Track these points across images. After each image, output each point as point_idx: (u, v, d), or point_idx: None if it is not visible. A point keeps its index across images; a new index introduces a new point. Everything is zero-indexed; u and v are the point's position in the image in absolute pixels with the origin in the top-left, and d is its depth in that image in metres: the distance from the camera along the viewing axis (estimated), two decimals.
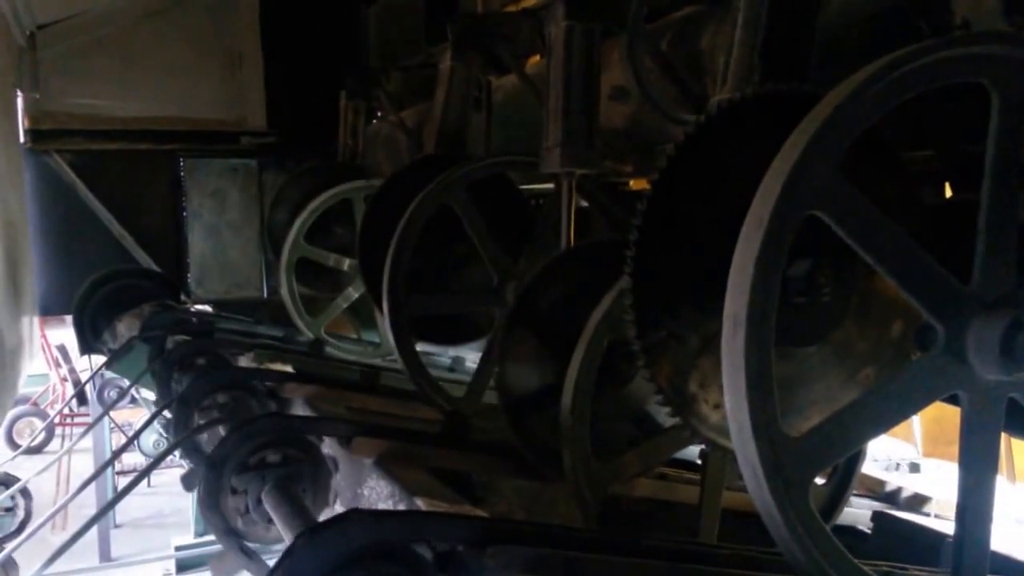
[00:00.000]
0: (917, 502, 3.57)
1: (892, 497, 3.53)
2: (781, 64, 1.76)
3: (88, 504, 8.44)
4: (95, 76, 6.46)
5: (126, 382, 6.06)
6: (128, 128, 6.57)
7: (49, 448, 12.49)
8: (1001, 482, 1.40)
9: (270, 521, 2.33)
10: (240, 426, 2.44)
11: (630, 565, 1.53)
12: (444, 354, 4.93)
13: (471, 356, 4.77)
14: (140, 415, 10.26)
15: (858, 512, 2.94)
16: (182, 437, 3.19)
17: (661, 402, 1.67)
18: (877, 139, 1.54)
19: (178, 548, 9.31)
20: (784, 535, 1.16)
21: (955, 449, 1.32)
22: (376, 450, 2.55)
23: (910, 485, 3.78)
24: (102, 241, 6.57)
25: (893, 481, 3.73)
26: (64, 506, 5.47)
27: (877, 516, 2.65)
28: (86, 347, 5.84)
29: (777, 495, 1.15)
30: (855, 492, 2.60)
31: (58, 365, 13.29)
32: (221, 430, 2.89)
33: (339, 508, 2.65)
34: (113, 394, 8.79)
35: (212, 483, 2.34)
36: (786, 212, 1.15)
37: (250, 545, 2.37)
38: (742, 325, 1.14)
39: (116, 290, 5.79)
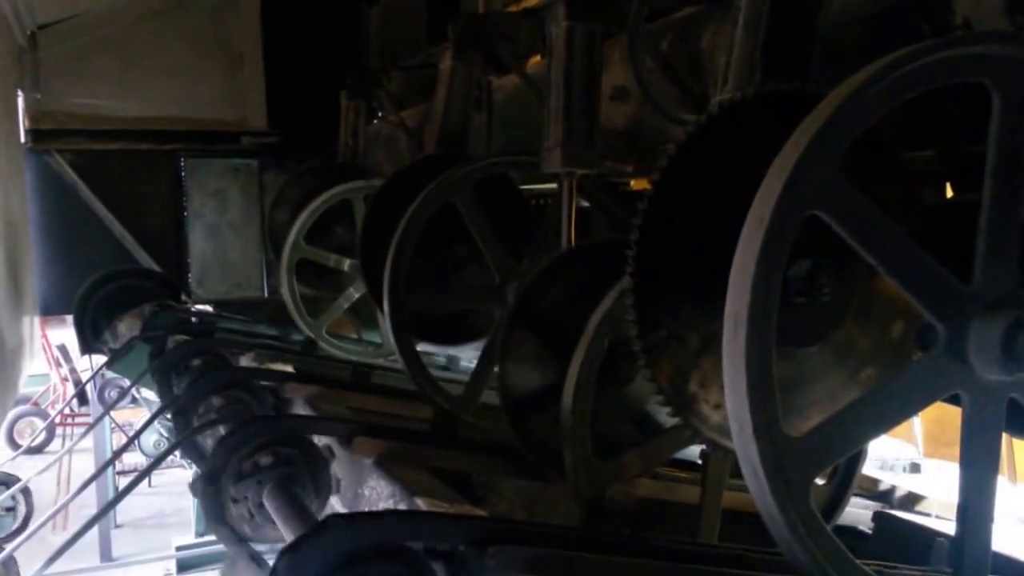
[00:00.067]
0: (911, 501, 3.57)
1: (887, 496, 3.53)
2: (782, 64, 1.76)
3: (89, 504, 8.45)
4: (96, 76, 6.46)
5: (127, 382, 6.07)
6: (129, 128, 6.58)
7: (50, 448, 12.50)
8: (1002, 482, 1.40)
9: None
10: (229, 434, 2.44)
11: (630, 565, 1.53)
12: (438, 353, 4.94)
13: (465, 355, 4.78)
14: (141, 415, 10.26)
15: (858, 512, 2.94)
16: (182, 437, 3.19)
17: (662, 402, 1.67)
18: (878, 139, 1.54)
19: (179, 548, 9.33)
20: (785, 535, 1.16)
21: (956, 450, 1.32)
22: (376, 450, 2.56)
23: (911, 486, 3.78)
24: (103, 241, 6.57)
25: (893, 482, 3.73)
26: (65, 506, 5.48)
27: (878, 516, 2.65)
28: (87, 347, 5.85)
29: (778, 495, 1.15)
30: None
31: (59, 365, 13.30)
32: (221, 430, 2.90)
33: (340, 508, 2.65)
34: (114, 394, 8.80)
35: (212, 496, 2.36)
36: (787, 212, 1.15)
37: (260, 548, 2.38)
38: (743, 325, 1.14)
39: (117, 290, 5.80)
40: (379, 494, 2.42)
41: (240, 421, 2.70)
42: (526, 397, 2.43)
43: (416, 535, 1.47)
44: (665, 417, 2.05)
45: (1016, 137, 1.24)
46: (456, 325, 3.35)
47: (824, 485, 2.47)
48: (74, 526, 7.24)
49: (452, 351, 4.87)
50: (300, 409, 3.31)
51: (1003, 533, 1.41)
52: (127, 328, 5.28)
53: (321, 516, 2.55)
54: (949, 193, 2.03)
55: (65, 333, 10.57)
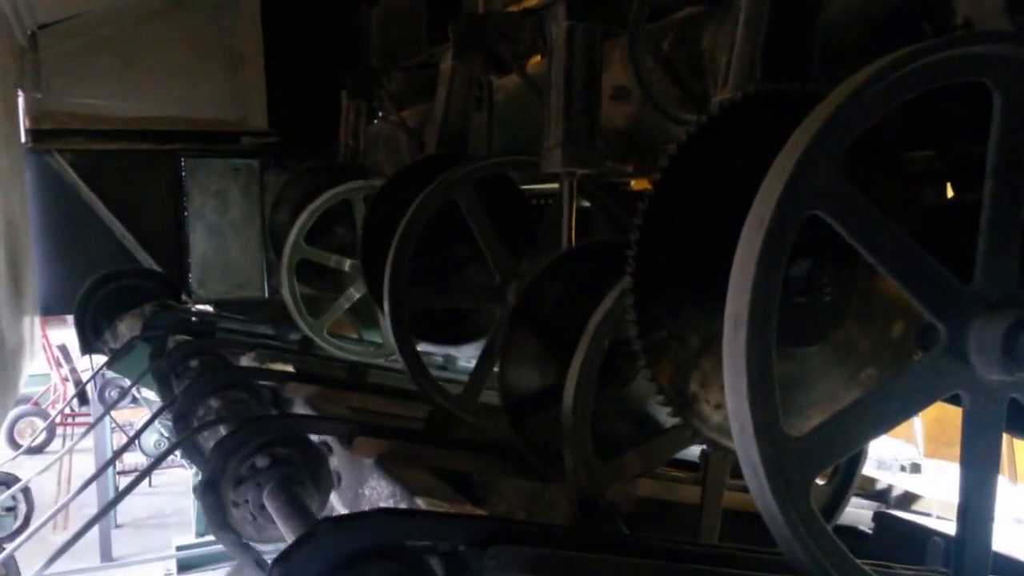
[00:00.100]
0: (908, 500, 3.56)
1: (883, 495, 3.52)
2: (782, 64, 1.76)
3: (89, 504, 8.45)
4: (96, 76, 6.47)
5: (127, 382, 6.07)
6: (129, 128, 6.58)
7: (50, 448, 12.50)
8: (1002, 482, 1.40)
9: None
10: (224, 439, 2.45)
11: (630, 565, 1.53)
12: (436, 353, 4.94)
13: (462, 354, 4.78)
14: (141, 415, 10.26)
15: (858, 512, 2.94)
16: (183, 437, 3.19)
17: (662, 402, 1.67)
18: (878, 139, 1.54)
19: (179, 548, 9.32)
20: (786, 535, 1.16)
21: (956, 450, 1.32)
22: (377, 450, 2.56)
23: (912, 486, 3.77)
24: (103, 241, 6.58)
25: (894, 482, 3.72)
26: (65, 506, 5.48)
27: (878, 516, 2.65)
28: (87, 347, 5.85)
29: (779, 495, 1.15)
30: None
31: (59, 365, 13.30)
32: (221, 430, 2.90)
33: (341, 508, 2.65)
34: (114, 394, 8.80)
35: (213, 503, 2.36)
36: (787, 212, 1.15)
37: (265, 551, 2.38)
38: (743, 325, 1.14)
39: (117, 290, 5.80)
40: (379, 494, 2.42)
41: (239, 421, 2.70)
42: (526, 397, 2.43)
43: (416, 535, 1.47)
44: (665, 417, 2.05)
45: (1017, 137, 1.24)
46: (456, 325, 3.35)
47: (824, 485, 2.47)
48: (74, 526, 7.24)
49: (451, 351, 4.86)
50: (300, 409, 3.31)
51: (1003, 533, 1.41)
52: (127, 328, 5.28)
53: (323, 512, 2.56)
54: (950, 193, 2.03)
55: (66, 333, 10.57)
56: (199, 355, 4.05)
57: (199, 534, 9.22)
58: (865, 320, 1.63)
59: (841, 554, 1.19)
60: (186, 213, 6.78)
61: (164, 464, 9.42)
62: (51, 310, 6.74)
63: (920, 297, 1.23)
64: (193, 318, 5.27)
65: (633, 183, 3.65)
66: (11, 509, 8.67)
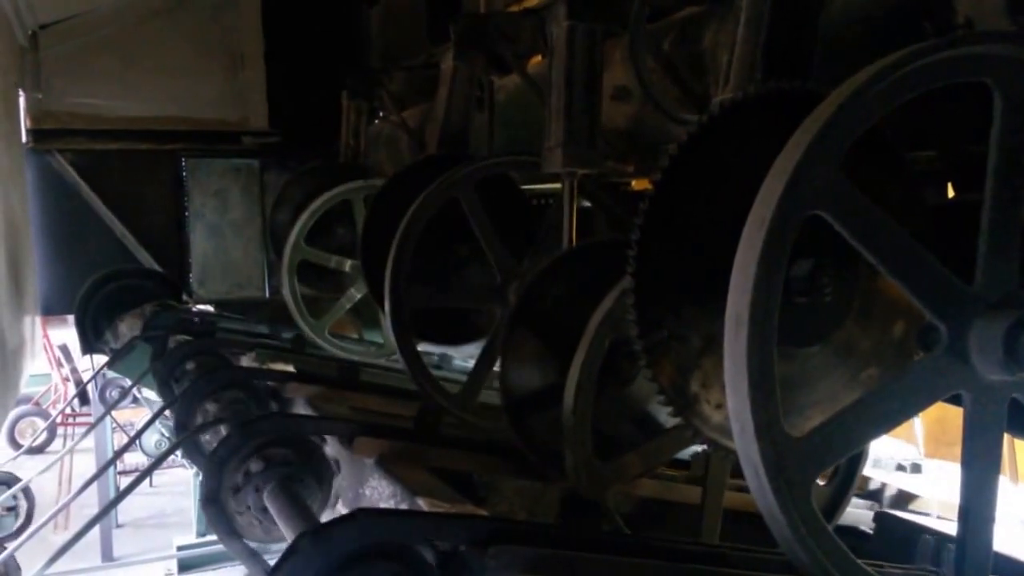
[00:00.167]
0: (904, 500, 3.56)
1: (877, 495, 3.52)
2: (783, 63, 1.76)
3: (90, 504, 8.44)
4: (97, 76, 6.47)
5: (128, 382, 6.07)
6: (130, 128, 6.59)
7: (51, 448, 12.50)
8: (1004, 483, 1.40)
9: None
10: (218, 447, 2.45)
11: (631, 565, 1.53)
12: (432, 352, 4.93)
13: (458, 354, 4.78)
14: (142, 415, 10.26)
15: (858, 512, 2.94)
16: (183, 437, 3.20)
17: (663, 402, 1.67)
18: (879, 139, 1.54)
19: (180, 548, 9.32)
20: (787, 535, 1.16)
21: (957, 450, 1.32)
22: (378, 450, 2.55)
23: (912, 486, 3.77)
24: (104, 241, 6.58)
25: (896, 482, 3.72)
26: (66, 506, 5.48)
27: (879, 516, 2.65)
28: (88, 347, 5.85)
29: (779, 495, 1.15)
30: None
31: (60, 365, 13.29)
32: (222, 429, 2.90)
33: (341, 508, 2.65)
34: (115, 394, 8.80)
35: (217, 516, 2.37)
36: (788, 212, 1.15)
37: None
38: (744, 325, 1.14)
39: (118, 290, 5.80)
40: (380, 494, 2.42)
41: (233, 425, 2.70)
42: (527, 397, 2.43)
43: (417, 535, 1.47)
44: (666, 417, 2.05)
45: (1018, 137, 1.24)
46: (457, 325, 3.36)
47: (825, 485, 2.47)
48: (75, 526, 7.25)
49: (450, 350, 4.86)
50: (301, 409, 3.31)
51: (1004, 534, 1.41)
52: (128, 328, 5.28)
53: (326, 507, 2.57)
54: (951, 193, 2.03)
55: (66, 333, 10.57)
56: (199, 355, 4.05)
57: (200, 534, 9.22)
58: (866, 320, 1.63)
59: (842, 554, 1.19)
60: (187, 213, 6.78)
61: (165, 464, 9.42)
62: (52, 310, 6.75)
63: (921, 297, 1.23)
64: (194, 318, 5.26)
65: (634, 183, 3.65)
66: (12, 509, 8.67)
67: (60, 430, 12.89)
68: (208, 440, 3.17)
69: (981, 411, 1.28)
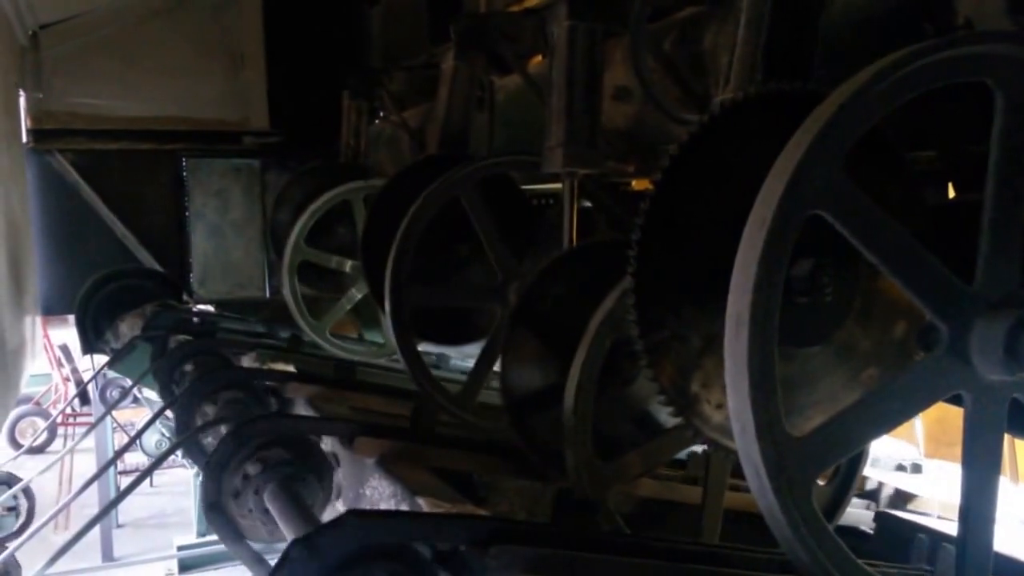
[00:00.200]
0: (901, 500, 3.56)
1: (874, 495, 3.52)
2: (784, 64, 1.76)
3: (90, 504, 8.44)
4: (98, 76, 6.47)
5: (128, 382, 6.07)
6: (131, 128, 6.59)
7: (51, 448, 12.50)
8: (1004, 483, 1.40)
9: None
10: (215, 452, 2.45)
11: (630, 565, 1.53)
12: (429, 351, 4.93)
13: (456, 353, 4.78)
14: (142, 415, 10.26)
15: (858, 512, 2.94)
16: (184, 437, 3.20)
17: (664, 402, 1.67)
18: (880, 139, 1.54)
19: (180, 548, 9.32)
20: (787, 535, 1.16)
21: (958, 450, 1.31)
22: (378, 450, 2.55)
23: (913, 486, 3.77)
24: (104, 241, 6.59)
25: (896, 483, 3.71)
26: (66, 506, 5.47)
27: (879, 516, 2.65)
28: (88, 347, 5.85)
29: (780, 495, 1.15)
30: None
31: (60, 365, 13.29)
32: (222, 429, 2.90)
33: (342, 508, 2.65)
34: (115, 394, 8.81)
35: (221, 522, 2.37)
36: (789, 212, 1.15)
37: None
38: (745, 325, 1.14)
39: (118, 290, 5.81)
40: (380, 494, 2.42)
41: (230, 428, 2.70)
42: (528, 397, 2.43)
43: (418, 535, 1.47)
44: (667, 417, 2.05)
45: (1018, 137, 1.24)
46: (457, 324, 3.36)
47: (825, 485, 2.47)
48: (76, 526, 7.25)
49: (450, 350, 4.86)
50: (301, 409, 3.31)
51: (1005, 534, 1.41)
52: (129, 328, 5.28)
53: (327, 505, 2.57)
54: (951, 193, 2.03)
55: (67, 333, 10.57)
56: (200, 355, 4.05)
57: (200, 534, 9.22)
58: (867, 320, 1.63)
59: (842, 554, 1.19)
60: (187, 213, 6.78)
61: (165, 464, 9.43)
62: (52, 310, 6.75)
63: (922, 297, 1.23)
64: (194, 318, 5.27)
65: (634, 183, 3.65)
66: (12, 509, 8.67)
67: (60, 430, 12.89)
68: (209, 440, 3.17)
69: (982, 411, 1.28)
